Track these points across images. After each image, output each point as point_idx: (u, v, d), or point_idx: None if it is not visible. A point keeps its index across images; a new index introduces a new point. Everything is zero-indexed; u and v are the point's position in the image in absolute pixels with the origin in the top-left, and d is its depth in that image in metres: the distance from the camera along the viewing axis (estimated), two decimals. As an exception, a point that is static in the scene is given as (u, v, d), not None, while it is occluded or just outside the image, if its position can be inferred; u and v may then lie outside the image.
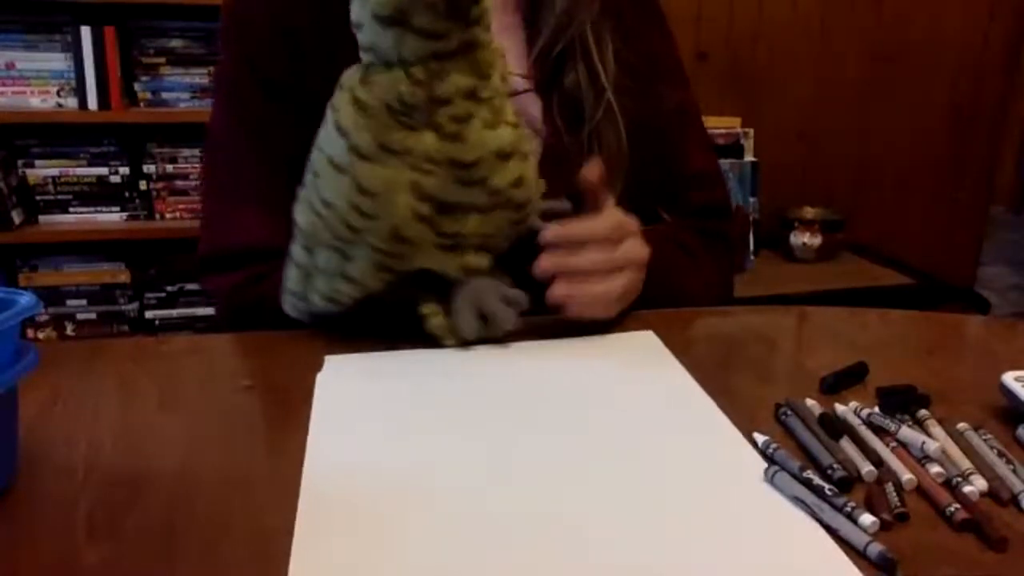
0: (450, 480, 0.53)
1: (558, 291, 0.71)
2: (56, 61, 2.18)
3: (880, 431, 0.58)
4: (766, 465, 0.54)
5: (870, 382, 0.67)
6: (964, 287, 2.72)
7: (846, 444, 0.57)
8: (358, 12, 0.64)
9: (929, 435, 0.57)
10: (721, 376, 0.68)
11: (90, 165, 2.27)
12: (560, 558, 0.46)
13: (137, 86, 2.24)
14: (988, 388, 0.64)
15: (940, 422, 0.59)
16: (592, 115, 0.86)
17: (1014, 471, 0.53)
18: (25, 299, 0.50)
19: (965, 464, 0.54)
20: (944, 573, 0.45)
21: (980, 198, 2.78)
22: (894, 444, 0.57)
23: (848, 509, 0.48)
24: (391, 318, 0.72)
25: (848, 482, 0.52)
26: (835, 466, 0.53)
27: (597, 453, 0.56)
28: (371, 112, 0.64)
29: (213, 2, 0.87)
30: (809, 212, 2.48)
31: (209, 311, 2.26)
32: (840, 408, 0.62)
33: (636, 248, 0.76)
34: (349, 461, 0.55)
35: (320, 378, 0.64)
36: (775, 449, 0.55)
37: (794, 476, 0.52)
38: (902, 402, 0.62)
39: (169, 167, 2.31)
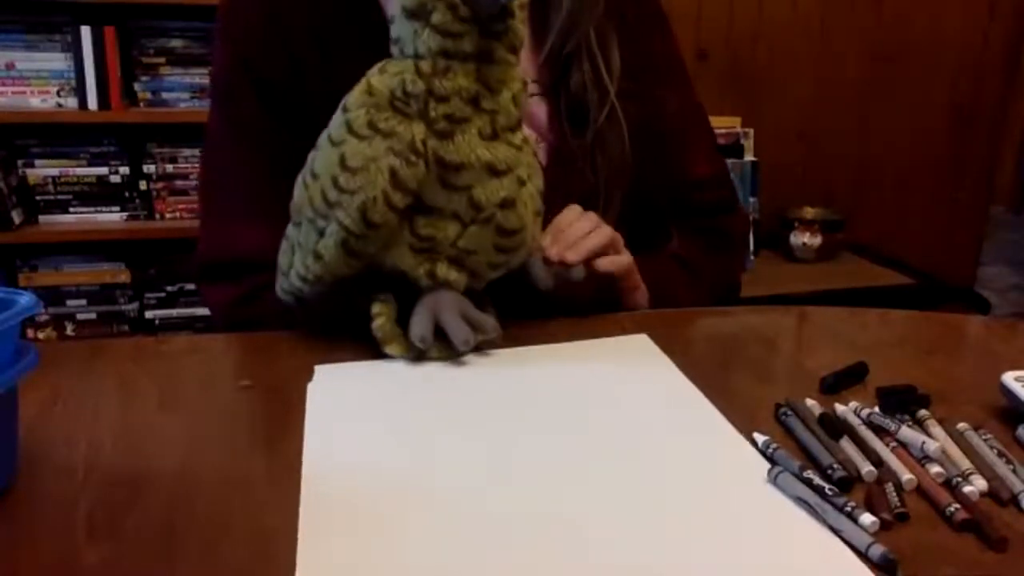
0: (450, 480, 0.53)
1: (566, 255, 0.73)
2: (56, 61, 2.18)
3: (880, 431, 0.58)
4: (767, 465, 0.54)
5: (870, 382, 0.67)
6: (964, 287, 2.72)
7: (846, 444, 0.57)
8: (392, 6, 0.67)
9: (929, 435, 0.57)
10: (721, 376, 0.68)
11: (90, 165, 2.27)
12: (561, 559, 0.46)
13: (137, 86, 2.24)
14: (988, 388, 0.64)
15: (940, 422, 0.59)
16: (596, 117, 0.85)
17: (1014, 471, 0.53)
18: (25, 299, 0.50)
19: (965, 464, 0.54)
20: (944, 573, 0.45)
21: (980, 198, 2.78)
22: (894, 444, 0.56)
23: (848, 509, 0.48)
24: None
25: (848, 482, 0.52)
26: (835, 466, 0.53)
27: (595, 454, 0.56)
28: (374, 94, 0.66)
29: (213, 2, 0.87)
30: (809, 212, 2.48)
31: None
32: (840, 408, 0.62)
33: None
34: (346, 464, 0.55)
35: (311, 387, 0.64)
36: (775, 449, 0.55)
37: (796, 476, 0.52)
38: (902, 402, 0.62)
39: (169, 167, 2.31)
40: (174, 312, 2.37)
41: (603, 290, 0.81)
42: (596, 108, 0.86)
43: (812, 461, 0.55)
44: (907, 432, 0.57)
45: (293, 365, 0.68)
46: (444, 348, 0.69)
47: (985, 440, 0.57)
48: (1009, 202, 4.18)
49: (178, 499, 0.51)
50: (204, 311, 2.34)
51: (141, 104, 2.25)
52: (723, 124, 2.35)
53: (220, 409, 0.64)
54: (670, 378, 0.67)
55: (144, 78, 2.24)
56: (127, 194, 2.30)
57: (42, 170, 2.25)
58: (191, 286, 2.34)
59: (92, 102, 2.17)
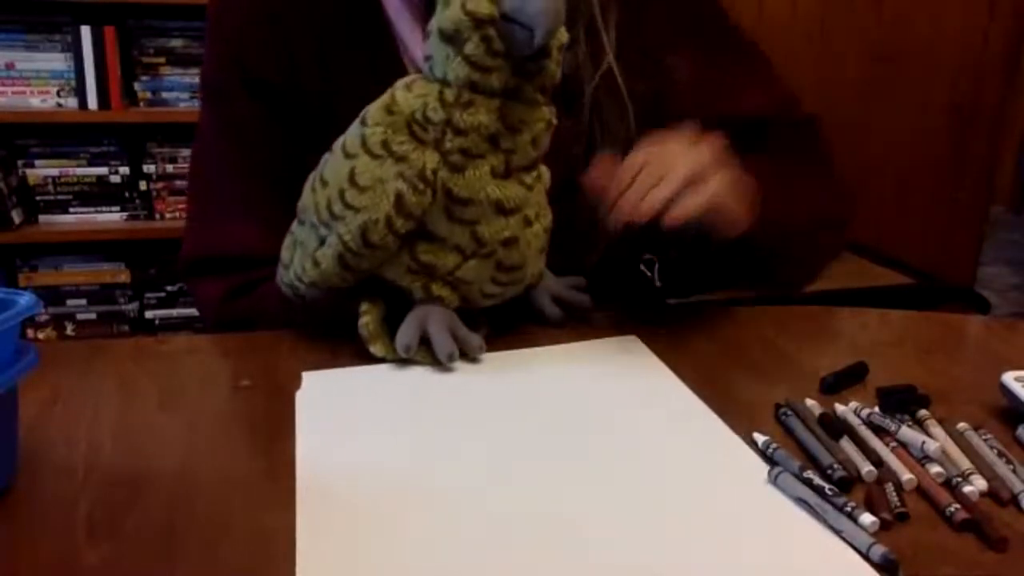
0: (445, 481, 0.53)
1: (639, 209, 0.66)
2: (56, 61, 2.18)
3: (880, 431, 0.58)
4: (764, 465, 0.54)
5: (870, 382, 0.67)
6: (964, 287, 2.72)
7: (846, 444, 0.57)
8: (433, 20, 0.65)
9: (929, 435, 0.57)
10: (721, 376, 0.68)
11: (90, 165, 2.27)
12: (558, 559, 0.46)
13: (137, 86, 2.24)
14: (988, 388, 0.63)
15: (940, 422, 0.59)
16: (589, 99, 0.81)
17: (1014, 471, 0.53)
18: (25, 299, 0.50)
19: (965, 464, 0.54)
20: (944, 573, 0.45)
21: (980, 198, 2.78)
22: (894, 444, 0.57)
23: (848, 509, 0.48)
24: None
25: (848, 482, 0.52)
26: (835, 466, 0.53)
27: (591, 455, 0.56)
28: (395, 113, 0.65)
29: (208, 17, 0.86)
30: (809, 212, 2.48)
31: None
32: (840, 408, 0.62)
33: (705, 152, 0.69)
34: (339, 468, 0.55)
35: (300, 394, 0.63)
36: (775, 449, 0.55)
37: (796, 477, 0.52)
38: (902, 402, 0.62)
39: (169, 167, 2.31)
40: (174, 312, 2.37)
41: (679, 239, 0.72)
42: (591, 88, 0.81)
43: (812, 461, 0.55)
44: (907, 432, 0.57)
45: (293, 365, 0.68)
46: (428, 354, 0.68)
47: (985, 440, 0.57)
48: (1009, 202, 4.18)
49: (178, 499, 0.51)
50: (204, 311, 2.34)
51: (141, 104, 2.25)
52: (723, 124, 2.35)
53: (220, 409, 0.64)
54: (662, 379, 0.67)
55: (144, 78, 2.24)
56: (127, 194, 2.30)
57: (42, 170, 2.25)
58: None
59: (92, 102, 2.17)
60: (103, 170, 2.28)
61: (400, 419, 0.61)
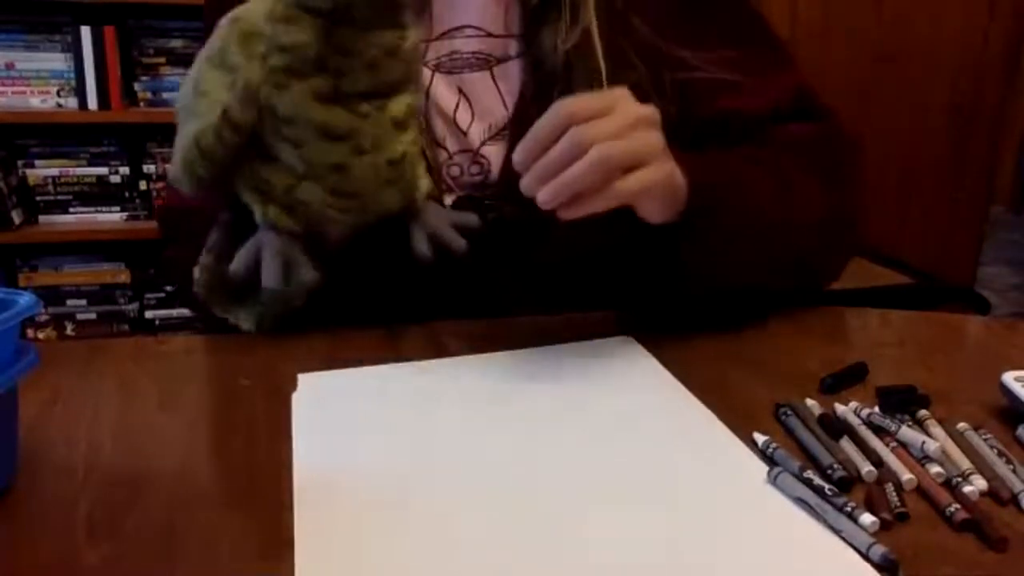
0: (445, 481, 0.53)
1: (541, 196, 0.60)
2: (56, 61, 2.18)
3: (880, 431, 0.58)
4: (763, 466, 0.54)
5: (870, 382, 0.67)
6: (964, 287, 2.71)
7: (846, 444, 0.57)
8: None
9: (929, 435, 0.57)
10: (721, 376, 0.68)
11: (90, 165, 2.28)
12: (558, 560, 0.46)
13: (137, 86, 2.24)
14: (988, 388, 0.63)
15: (940, 422, 0.59)
16: (570, 78, 0.76)
17: (1014, 471, 0.53)
18: (25, 299, 0.50)
19: (965, 464, 0.54)
20: (944, 573, 0.45)
21: (980, 198, 2.77)
22: (894, 444, 0.56)
23: (848, 509, 0.48)
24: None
25: (848, 482, 0.52)
26: (835, 466, 0.53)
27: (590, 456, 0.56)
28: (238, 20, 0.65)
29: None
30: (809, 212, 2.48)
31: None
32: (840, 408, 0.62)
33: (649, 136, 0.63)
34: (336, 469, 0.54)
35: (296, 396, 0.63)
36: (775, 449, 0.55)
37: (796, 477, 0.52)
38: (902, 402, 0.62)
39: (169, 167, 2.31)
40: (174, 312, 2.38)
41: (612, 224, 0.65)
42: (567, 61, 0.76)
43: (812, 461, 0.55)
44: (907, 432, 0.57)
45: (292, 365, 0.68)
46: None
47: (985, 440, 0.57)
48: (1009, 202, 4.18)
49: (178, 499, 0.51)
50: (204, 311, 2.34)
51: (141, 104, 2.25)
52: (723, 124, 2.35)
53: (220, 409, 0.64)
54: (658, 379, 0.66)
55: (144, 78, 2.24)
56: (127, 194, 2.30)
57: (42, 170, 2.25)
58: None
59: (92, 102, 2.17)
60: (103, 170, 2.28)
61: (396, 420, 0.61)
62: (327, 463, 0.55)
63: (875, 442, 0.57)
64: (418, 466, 0.55)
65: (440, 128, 0.80)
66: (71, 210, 2.28)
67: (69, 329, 2.34)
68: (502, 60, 0.81)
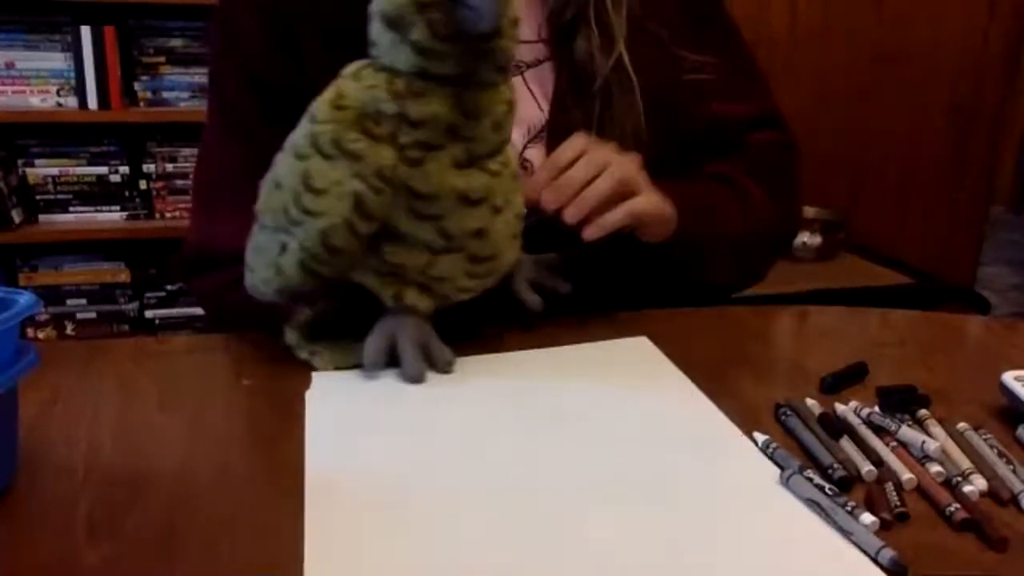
0: (459, 482, 0.53)
1: (570, 217, 0.69)
2: (56, 61, 2.17)
3: (880, 431, 0.58)
4: (775, 468, 0.54)
5: (870, 382, 0.67)
6: (964, 287, 2.71)
7: (846, 444, 0.57)
8: (375, 3, 0.62)
9: (929, 435, 0.57)
10: (721, 376, 0.68)
11: (90, 165, 2.27)
12: (568, 559, 0.46)
13: (137, 86, 2.24)
14: (988, 388, 0.64)
15: (940, 422, 0.59)
16: (601, 85, 0.81)
17: (1014, 471, 0.53)
18: (25, 299, 0.50)
19: (965, 464, 0.54)
20: (944, 573, 0.45)
21: (980, 198, 2.77)
22: (894, 444, 0.56)
23: (848, 509, 0.48)
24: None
25: (848, 482, 0.52)
26: (835, 466, 0.53)
27: (604, 457, 0.56)
28: (343, 108, 0.62)
29: (213, 1, 0.87)
30: (809, 212, 2.48)
31: (209, 311, 2.25)
32: (840, 408, 0.62)
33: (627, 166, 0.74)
34: (349, 469, 0.55)
35: (309, 395, 0.63)
36: (775, 449, 0.55)
37: (808, 480, 0.51)
38: (902, 402, 0.62)
39: (169, 166, 2.31)
40: (174, 312, 2.37)
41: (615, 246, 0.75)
42: (603, 77, 0.81)
43: (812, 461, 0.55)
44: (907, 432, 0.57)
45: (293, 365, 0.68)
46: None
47: (985, 440, 0.57)
48: (1009, 202, 4.18)
49: (178, 499, 0.51)
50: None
51: (141, 104, 2.25)
52: (723, 124, 2.35)
53: (220, 409, 0.64)
54: (674, 382, 0.66)
55: (144, 78, 2.24)
56: (127, 194, 2.30)
57: (42, 170, 2.25)
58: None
59: (92, 102, 2.17)
60: (103, 170, 2.28)
61: (410, 421, 0.61)
62: (339, 462, 0.55)
63: (875, 442, 0.57)
64: (430, 467, 0.55)
65: None
66: (71, 210, 2.28)
67: (69, 329, 2.34)
68: (531, 65, 0.83)
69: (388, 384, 0.66)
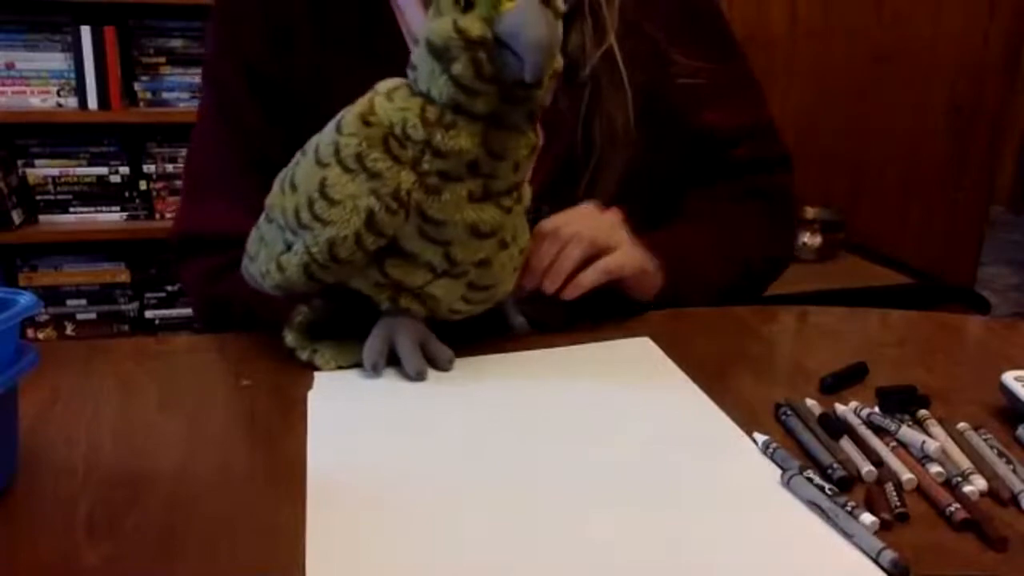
0: (463, 482, 0.53)
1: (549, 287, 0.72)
2: (56, 61, 2.17)
3: (880, 431, 0.58)
4: (774, 468, 0.54)
5: (870, 382, 0.67)
6: (964, 287, 2.71)
7: (846, 444, 0.57)
8: (423, 28, 0.62)
9: (929, 435, 0.57)
10: (721, 376, 0.68)
11: (90, 165, 2.27)
12: (573, 559, 0.46)
13: (137, 86, 2.24)
14: (988, 388, 0.63)
15: (940, 422, 0.59)
16: (593, 76, 0.81)
17: (1014, 471, 0.53)
18: (25, 299, 0.50)
19: (965, 464, 0.54)
20: (944, 573, 0.45)
21: (980, 198, 2.77)
22: (894, 444, 0.56)
23: (848, 509, 0.48)
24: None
25: (848, 482, 0.52)
26: (835, 466, 0.53)
27: (607, 458, 0.56)
28: (372, 124, 0.62)
29: (212, 1, 0.87)
30: (809, 212, 2.48)
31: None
32: (840, 408, 0.62)
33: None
34: (352, 468, 0.55)
35: (312, 395, 0.63)
36: (775, 449, 0.55)
37: (809, 481, 0.51)
38: (902, 402, 0.62)
39: (169, 167, 2.31)
40: (174, 312, 2.37)
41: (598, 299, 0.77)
42: (592, 66, 0.80)
43: (812, 461, 0.55)
44: (907, 432, 0.57)
45: (293, 365, 0.68)
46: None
47: (985, 440, 0.57)
48: (1009, 202, 4.18)
49: (178, 499, 0.51)
50: (204, 311, 2.34)
51: (141, 104, 2.25)
52: (723, 124, 2.35)
53: (220, 409, 0.64)
54: (676, 382, 0.66)
55: (144, 78, 2.24)
56: (127, 194, 2.30)
57: (42, 170, 2.25)
58: (184, 289, 2.34)
59: (92, 102, 2.17)
60: (103, 170, 2.28)
61: (412, 421, 0.61)
62: (342, 462, 0.55)
63: (875, 442, 0.57)
64: (432, 467, 0.55)
65: None
66: (71, 210, 2.28)
67: (69, 329, 2.34)
68: None
69: (390, 384, 0.66)
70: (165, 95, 2.26)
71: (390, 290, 0.66)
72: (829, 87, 2.51)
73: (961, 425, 0.59)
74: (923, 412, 0.60)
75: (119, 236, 2.29)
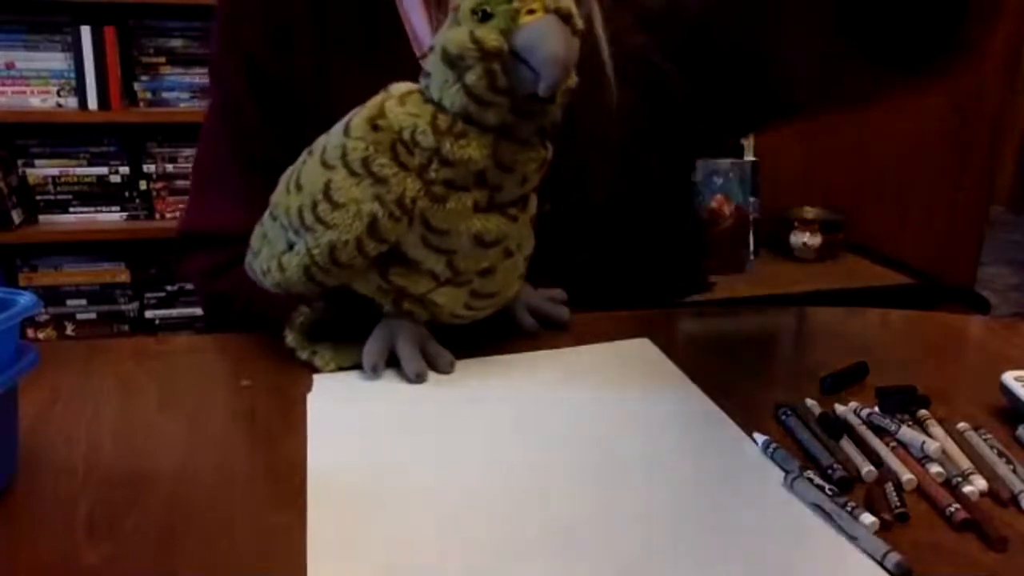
0: (462, 483, 0.53)
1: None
2: (56, 61, 2.18)
3: (880, 431, 0.58)
4: (775, 469, 0.54)
5: (870, 382, 0.67)
6: (964, 287, 2.72)
7: (846, 444, 0.57)
8: (439, 35, 0.62)
9: (929, 435, 0.57)
10: (721, 377, 0.68)
11: (90, 165, 2.28)
12: (572, 561, 0.46)
13: (137, 86, 2.24)
14: (988, 388, 0.63)
15: (940, 422, 0.59)
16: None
17: (1014, 471, 0.53)
18: (25, 299, 0.50)
19: (965, 464, 0.54)
20: (944, 573, 0.45)
21: (980, 198, 2.78)
22: (894, 444, 0.56)
23: (848, 509, 0.48)
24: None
25: (848, 482, 0.52)
26: (835, 466, 0.53)
27: (607, 459, 0.56)
28: (381, 129, 0.62)
29: (213, 1, 0.87)
30: (809, 212, 2.49)
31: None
32: (840, 408, 0.62)
33: None
34: (352, 470, 0.54)
35: (311, 397, 0.63)
36: (775, 449, 0.55)
37: (812, 483, 0.51)
38: (902, 402, 0.62)
39: (169, 167, 2.31)
40: (174, 312, 2.38)
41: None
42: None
43: (812, 461, 0.55)
44: (907, 432, 0.57)
45: (293, 365, 0.68)
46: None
47: (985, 440, 0.57)
48: (1009, 202, 4.18)
49: (178, 499, 0.51)
50: (204, 311, 2.34)
51: (141, 104, 2.25)
52: (723, 124, 2.35)
53: (220, 409, 0.64)
54: (676, 383, 0.66)
55: (144, 78, 2.24)
56: (127, 194, 2.30)
57: (42, 170, 2.26)
58: (191, 285, 2.33)
59: (92, 102, 2.17)
60: (103, 170, 2.28)
61: (413, 421, 0.61)
62: (341, 463, 0.55)
63: (875, 442, 0.57)
64: (432, 468, 0.55)
65: None
66: (71, 210, 2.28)
67: (69, 329, 2.34)
68: None
69: (390, 385, 0.66)
70: (165, 95, 2.26)
71: (393, 295, 0.66)
72: (829, 87, 2.51)
73: (961, 425, 0.59)
74: (923, 412, 0.60)
75: (119, 236, 2.30)
